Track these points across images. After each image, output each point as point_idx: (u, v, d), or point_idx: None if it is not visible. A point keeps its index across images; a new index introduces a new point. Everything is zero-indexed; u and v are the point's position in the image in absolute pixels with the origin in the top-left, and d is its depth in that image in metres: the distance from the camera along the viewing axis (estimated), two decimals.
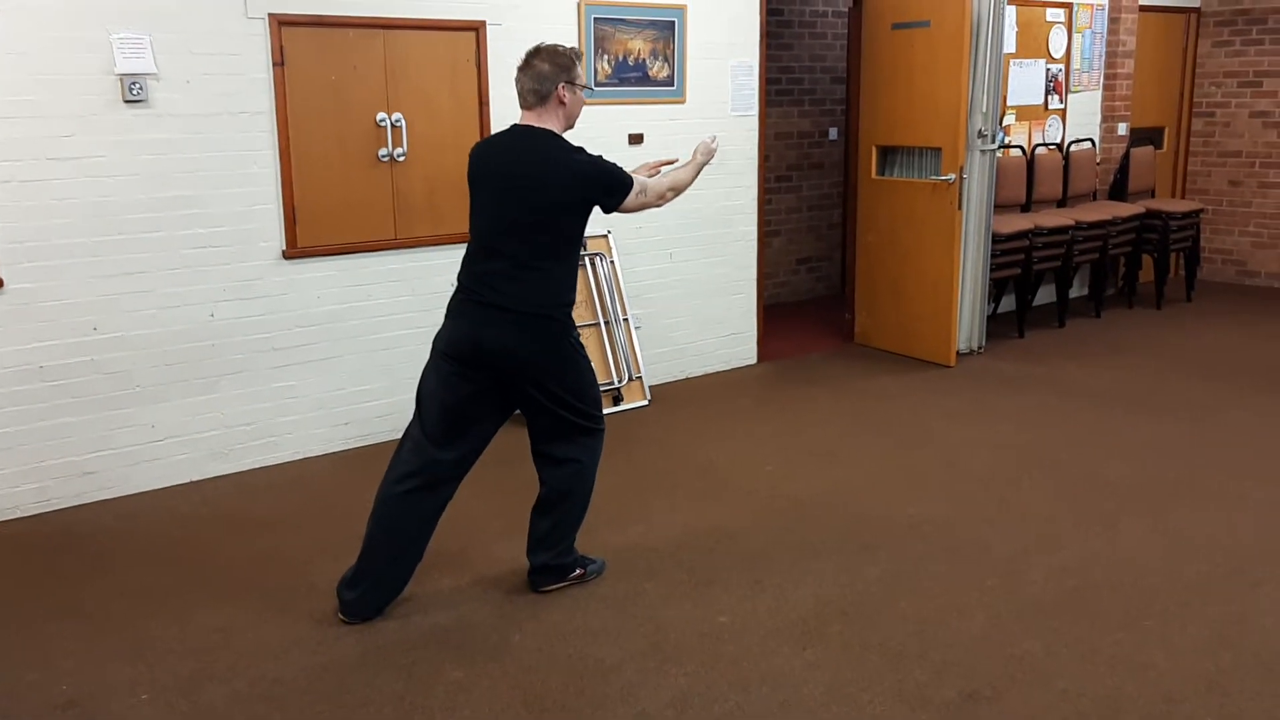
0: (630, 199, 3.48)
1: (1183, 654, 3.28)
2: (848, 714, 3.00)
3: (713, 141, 3.80)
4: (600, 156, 3.45)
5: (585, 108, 5.59)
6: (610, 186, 3.44)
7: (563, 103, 3.44)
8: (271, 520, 4.43)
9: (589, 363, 3.61)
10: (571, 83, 3.44)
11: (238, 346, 4.86)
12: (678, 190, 3.67)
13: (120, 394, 4.62)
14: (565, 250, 3.44)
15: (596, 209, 3.48)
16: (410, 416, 3.56)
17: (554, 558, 3.72)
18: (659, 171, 3.77)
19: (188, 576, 3.92)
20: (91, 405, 4.56)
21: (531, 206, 3.35)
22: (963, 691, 3.10)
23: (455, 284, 3.49)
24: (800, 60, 8.39)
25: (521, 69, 3.43)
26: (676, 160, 3.90)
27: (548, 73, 3.40)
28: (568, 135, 3.50)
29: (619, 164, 3.50)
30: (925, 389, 6.18)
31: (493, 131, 5.35)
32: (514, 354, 3.38)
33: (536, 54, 3.43)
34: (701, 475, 4.86)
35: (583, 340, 3.60)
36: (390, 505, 3.49)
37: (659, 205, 3.64)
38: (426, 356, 3.55)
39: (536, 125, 3.44)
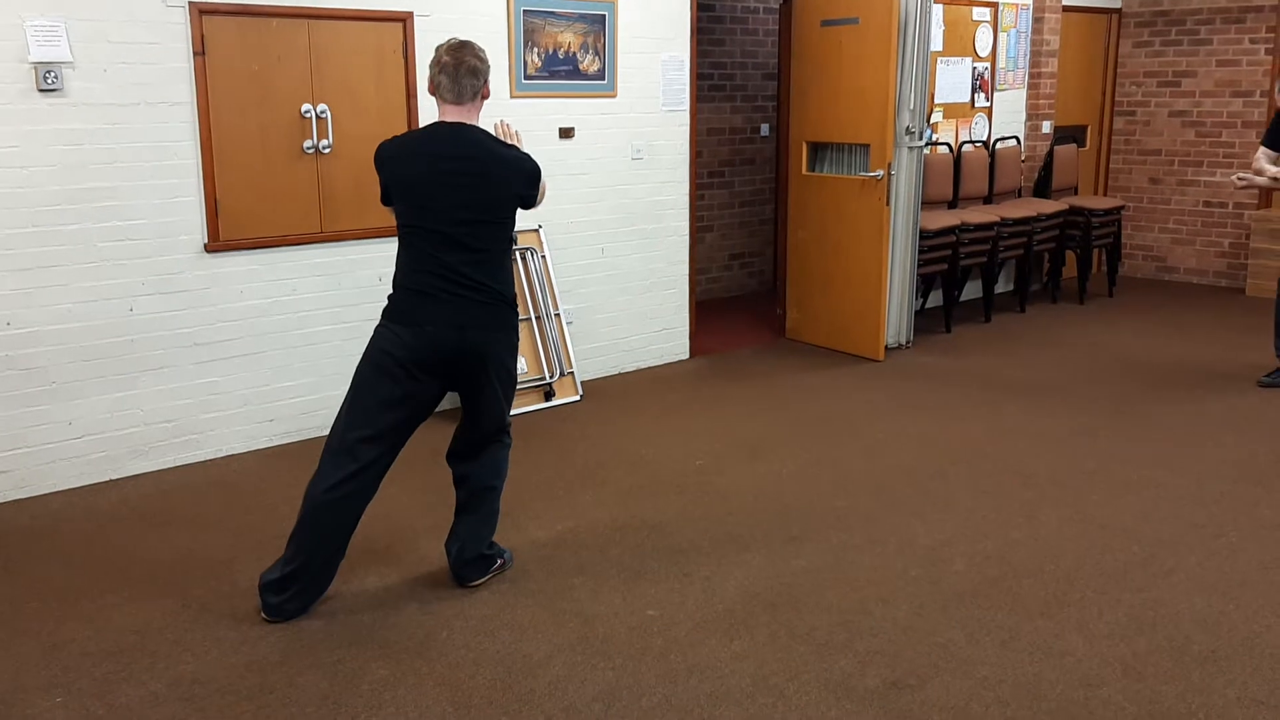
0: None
1: (1100, 640, 3.35)
2: (774, 704, 3.02)
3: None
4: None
5: (515, 100, 5.67)
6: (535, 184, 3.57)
7: (486, 98, 3.51)
8: (192, 519, 4.34)
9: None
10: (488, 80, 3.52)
11: (158, 342, 4.76)
12: None
13: (36, 390, 4.50)
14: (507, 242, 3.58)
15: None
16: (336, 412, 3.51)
17: (483, 549, 3.73)
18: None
19: (105, 577, 3.83)
20: (5, 402, 4.44)
21: (493, 199, 3.45)
22: (887, 680, 3.13)
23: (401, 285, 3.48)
24: (732, 56, 8.42)
25: (454, 65, 3.40)
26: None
27: (482, 69, 3.44)
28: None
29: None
30: (854, 383, 6.25)
31: (420, 124, 5.29)
32: (484, 343, 3.47)
33: (465, 48, 3.44)
34: (632, 470, 4.86)
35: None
36: (324, 512, 3.44)
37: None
38: (354, 352, 3.51)
39: (470, 123, 3.47)
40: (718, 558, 3.94)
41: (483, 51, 3.47)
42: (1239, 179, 6.07)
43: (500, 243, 3.50)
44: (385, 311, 3.49)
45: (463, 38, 3.50)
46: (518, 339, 3.62)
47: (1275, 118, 6.05)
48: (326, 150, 5.04)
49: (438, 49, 3.45)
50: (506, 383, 3.61)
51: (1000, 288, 8.48)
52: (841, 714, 2.97)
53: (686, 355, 6.80)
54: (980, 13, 7.96)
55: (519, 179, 3.48)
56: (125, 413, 4.73)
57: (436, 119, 3.49)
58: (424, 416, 3.55)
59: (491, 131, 3.73)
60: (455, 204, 3.38)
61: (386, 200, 3.51)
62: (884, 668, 3.20)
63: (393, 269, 3.52)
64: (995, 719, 2.94)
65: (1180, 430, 5.36)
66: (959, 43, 7.85)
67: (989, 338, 7.34)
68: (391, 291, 3.49)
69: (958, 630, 3.41)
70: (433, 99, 3.48)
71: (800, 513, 4.35)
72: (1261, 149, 6.04)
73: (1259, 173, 5.96)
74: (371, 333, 3.48)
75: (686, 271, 6.68)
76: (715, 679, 3.14)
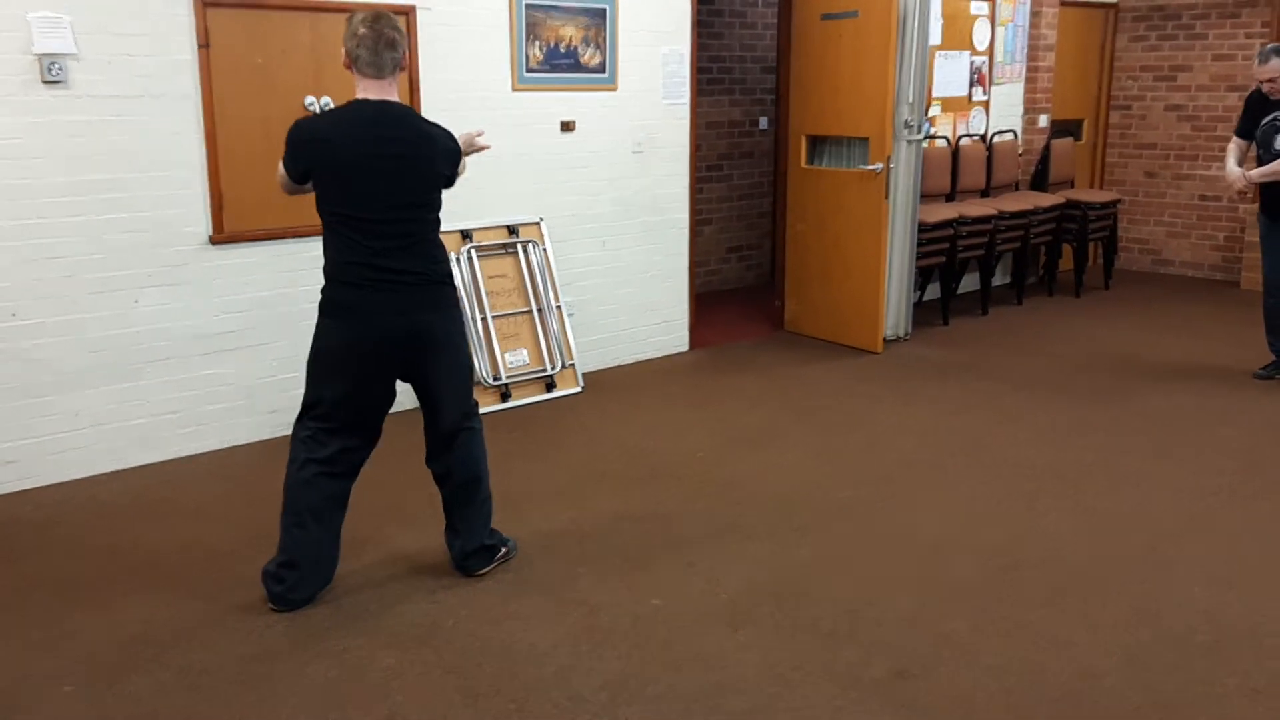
0: None
1: (1102, 630, 3.38)
2: (779, 694, 3.04)
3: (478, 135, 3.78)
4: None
5: (516, 93, 5.68)
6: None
7: (404, 70, 3.45)
8: (197, 509, 4.35)
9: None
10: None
11: (163, 334, 4.77)
12: None
13: (41, 381, 4.50)
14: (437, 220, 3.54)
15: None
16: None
17: (484, 540, 3.74)
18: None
19: (111, 567, 3.84)
20: (11, 393, 4.44)
21: (424, 182, 3.41)
22: (892, 670, 3.16)
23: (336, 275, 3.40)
24: (731, 50, 8.43)
25: (373, 37, 3.28)
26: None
27: (400, 41, 3.36)
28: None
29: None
30: (853, 375, 6.28)
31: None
32: (430, 324, 3.44)
33: (382, 20, 3.33)
34: (634, 461, 4.88)
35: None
36: (296, 492, 3.49)
37: None
38: None
39: (392, 99, 3.40)
40: (720, 548, 3.97)
41: (399, 21, 3.39)
42: (1233, 180, 5.93)
43: (431, 225, 3.45)
44: (322, 306, 3.42)
45: (378, 9, 3.39)
46: (461, 315, 3.62)
47: (1245, 104, 5.97)
48: None
49: (351, 20, 3.33)
50: (461, 361, 3.60)
51: (997, 280, 8.52)
52: (847, 703, 3.00)
53: (686, 347, 6.82)
54: (978, 6, 7.98)
55: (444, 159, 3.43)
56: (130, 404, 4.74)
57: (357, 96, 3.38)
58: (383, 408, 3.54)
59: (467, 139, 3.69)
60: (387, 190, 3.30)
61: (300, 180, 3.39)
62: (889, 657, 3.22)
63: None
64: (1000, 708, 2.97)
65: (1177, 422, 5.39)
66: (957, 36, 7.87)
67: (986, 330, 7.37)
68: (325, 284, 3.41)
69: (961, 620, 3.44)
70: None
71: (802, 504, 4.38)
72: (1233, 141, 6.01)
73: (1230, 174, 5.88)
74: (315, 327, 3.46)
75: (686, 264, 6.70)
76: (720, 668, 3.17)
